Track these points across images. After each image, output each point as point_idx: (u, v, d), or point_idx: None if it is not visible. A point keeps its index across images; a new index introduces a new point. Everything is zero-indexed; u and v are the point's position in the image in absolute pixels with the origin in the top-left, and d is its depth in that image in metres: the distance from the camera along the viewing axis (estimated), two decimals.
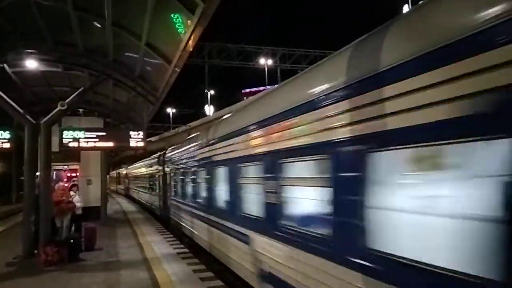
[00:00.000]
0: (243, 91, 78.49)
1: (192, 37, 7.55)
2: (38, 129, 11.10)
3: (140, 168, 31.39)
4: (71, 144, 11.73)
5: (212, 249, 9.16)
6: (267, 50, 32.15)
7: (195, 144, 10.93)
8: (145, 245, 12.77)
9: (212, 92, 57.44)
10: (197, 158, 10.28)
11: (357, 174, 3.56)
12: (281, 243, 5.16)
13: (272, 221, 5.39)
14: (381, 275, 3.27)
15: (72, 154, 18.19)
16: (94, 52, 10.77)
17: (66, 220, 12.50)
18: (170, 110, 64.65)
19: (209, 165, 8.73)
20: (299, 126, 4.79)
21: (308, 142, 4.54)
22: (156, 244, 13.06)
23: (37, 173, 11.36)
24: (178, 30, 8.21)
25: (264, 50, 32.12)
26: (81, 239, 11.86)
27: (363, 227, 3.46)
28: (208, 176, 8.98)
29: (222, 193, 7.90)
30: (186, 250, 12.63)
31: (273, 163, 5.38)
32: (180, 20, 8.07)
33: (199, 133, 11.56)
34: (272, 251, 5.44)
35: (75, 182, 15.60)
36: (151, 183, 24.38)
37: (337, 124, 3.95)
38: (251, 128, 6.25)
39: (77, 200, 13.18)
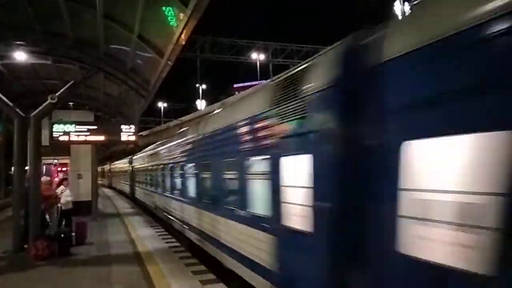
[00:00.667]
0: (235, 85, 78.30)
1: (185, 30, 7.47)
2: (27, 122, 10.94)
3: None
4: (61, 138, 11.57)
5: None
6: (259, 44, 32.05)
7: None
8: (136, 240, 12.72)
9: (204, 86, 57.25)
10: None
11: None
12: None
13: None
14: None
15: (62, 148, 17.98)
16: (85, 44, 10.61)
17: (52, 215, 12.41)
18: (161, 104, 64.28)
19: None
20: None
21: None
22: (148, 238, 13.02)
23: (27, 167, 11.23)
24: (171, 23, 8.12)
25: (257, 44, 32.01)
26: (71, 233, 11.77)
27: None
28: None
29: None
30: (178, 244, 12.61)
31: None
32: (173, 13, 7.98)
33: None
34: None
35: (66, 176, 15.45)
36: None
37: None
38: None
39: (67, 194, 13.06)
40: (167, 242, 12.58)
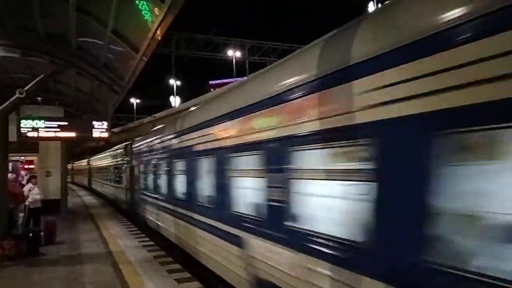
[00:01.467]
0: (210, 82, 77.93)
1: (161, 26, 7.38)
2: None
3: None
4: (30, 134, 11.19)
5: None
6: (235, 41, 31.97)
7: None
8: (108, 238, 12.48)
9: (178, 82, 56.59)
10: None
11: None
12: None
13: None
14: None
15: (30, 145, 17.33)
16: (57, 38, 10.26)
17: (19, 213, 12.01)
18: (134, 101, 63.01)
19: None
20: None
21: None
22: (120, 237, 12.82)
23: None
24: (145, 17, 7.99)
25: (233, 41, 31.92)
26: (40, 232, 11.41)
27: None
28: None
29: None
30: (152, 242, 12.47)
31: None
32: (147, 8, 7.85)
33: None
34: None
35: (34, 174, 14.94)
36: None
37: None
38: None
39: (36, 192, 12.64)
40: (140, 241, 12.41)
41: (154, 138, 11.98)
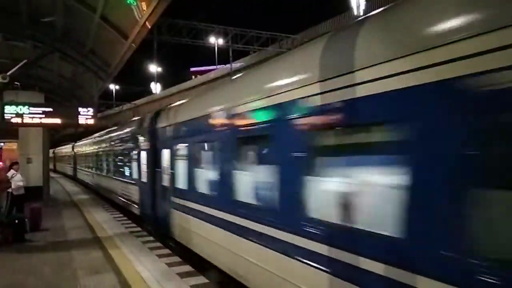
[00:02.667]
0: (192, 69, 77.05)
1: (153, 13, 7.40)
2: None
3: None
4: (13, 120, 11.05)
5: None
6: (219, 29, 31.70)
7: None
8: (94, 225, 12.50)
9: (159, 69, 55.75)
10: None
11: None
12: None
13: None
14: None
15: (10, 131, 16.94)
16: (41, 23, 10.09)
17: (3, 200, 11.86)
18: (113, 87, 61.77)
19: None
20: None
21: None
22: (106, 223, 12.85)
23: None
24: (129, 2, 7.96)
25: (216, 28, 31.65)
26: (25, 219, 11.33)
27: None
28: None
29: None
30: (139, 228, 12.56)
31: None
32: None
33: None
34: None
35: (16, 161, 14.66)
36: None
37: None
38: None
39: (18, 179, 12.45)
40: (126, 227, 12.48)
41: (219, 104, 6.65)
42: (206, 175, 7.19)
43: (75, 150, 34.88)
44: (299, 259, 4.24)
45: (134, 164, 12.89)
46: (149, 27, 8.23)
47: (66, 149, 44.77)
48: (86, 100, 15.11)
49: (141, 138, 11.96)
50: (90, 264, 8.07)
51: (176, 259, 8.90)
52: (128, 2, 7.99)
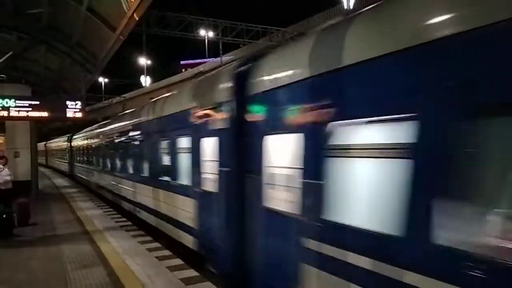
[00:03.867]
0: (182, 62, 76.45)
1: (141, 4, 7.31)
2: None
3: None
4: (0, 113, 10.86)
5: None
6: (209, 21, 31.45)
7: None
8: (84, 219, 12.42)
9: (149, 62, 55.23)
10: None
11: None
12: None
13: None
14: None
15: None
16: (26, 15, 9.90)
17: None
18: (102, 80, 61.05)
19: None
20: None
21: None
22: (96, 217, 12.77)
23: None
24: None
25: (206, 21, 31.39)
26: (13, 214, 11.21)
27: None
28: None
29: None
30: (130, 223, 12.52)
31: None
32: None
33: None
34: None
35: (3, 155, 14.44)
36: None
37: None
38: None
39: (6, 173, 12.28)
40: (116, 222, 12.44)
41: None
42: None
43: (72, 143, 29.77)
44: None
45: (184, 161, 7.90)
46: (137, 19, 8.12)
47: (59, 142, 40.01)
48: (74, 93, 14.90)
49: (202, 119, 6.79)
50: (80, 258, 8.03)
51: (167, 252, 8.91)
52: None
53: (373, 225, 3.22)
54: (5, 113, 10.90)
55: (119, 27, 8.55)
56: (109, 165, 15.69)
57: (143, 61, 52.93)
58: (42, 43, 10.99)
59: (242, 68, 5.68)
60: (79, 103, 11.74)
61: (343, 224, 3.53)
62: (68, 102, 11.66)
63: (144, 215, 10.86)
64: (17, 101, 11.01)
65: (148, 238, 10.34)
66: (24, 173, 17.66)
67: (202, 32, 33.36)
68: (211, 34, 33.62)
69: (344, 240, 3.53)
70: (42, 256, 8.36)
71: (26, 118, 11.61)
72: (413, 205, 2.85)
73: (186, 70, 55.62)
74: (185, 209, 7.69)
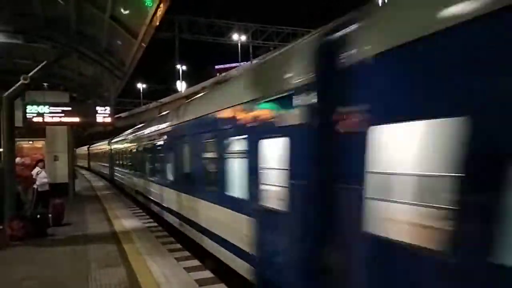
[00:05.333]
0: (216, 67, 77.62)
1: (158, 11, 7.50)
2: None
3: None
4: (35, 119, 11.51)
5: None
6: (239, 25, 31.79)
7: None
8: (114, 220, 12.85)
9: (184, 67, 56.56)
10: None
11: None
12: None
13: None
14: None
15: (37, 130, 17.70)
16: (56, 24, 10.42)
17: (28, 196, 12.41)
18: (140, 86, 63.23)
19: None
20: None
21: None
22: (125, 218, 13.18)
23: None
24: (146, 4, 8.08)
25: (236, 25, 31.74)
26: (48, 214, 11.81)
27: None
28: None
29: None
30: (156, 224, 12.83)
31: None
32: None
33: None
34: None
35: (41, 158, 15.31)
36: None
37: None
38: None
39: (43, 176, 13.02)
40: (144, 222, 12.79)
41: None
42: None
43: (112, 146, 28.63)
44: None
45: (237, 169, 6.36)
46: (156, 25, 8.33)
47: (102, 146, 38.70)
48: (107, 99, 15.53)
49: (263, 115, 5.27)
50: (104, 257, 8.33)
51: (186, 253, 9.07)
52: (146, 5, 8.10)
53: None
54: (40, 119, 11.53)
55: (140, 34, 8.82)
56: (147, 170, 14.88)
57: (178, 66, 54.25)
58: (73, 51, 11.52)
59: (333, 35, 4.00)
60: (108, 108, 12.21)
61: None
62: (97, 108, 12.17)
63: (192, 233, 9.01)
64: (51, 107, 11.63)
65: (171, 239, 10.56)
66: (63, 176, 18.60)
67: (234, 36, 33.74)
68: (243, 38, 33.91)
69: None
70: (70, 254, 8.75)
71: (59, 123, 12.23)
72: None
73: (220, 74, 56.42)
74: (238, 229, 6.11)
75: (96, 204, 17.27)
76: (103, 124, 12.43)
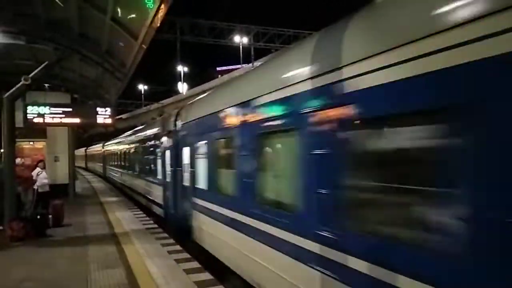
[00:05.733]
0: (218, 68, 77.80)
1: (158, 13, 7.52)
2: (0, 104, 10.83)
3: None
4: (35, 120, 11.54)
5: None
6: (240, 27, 31.85)
7: None
8: (114, 222, 12.86)
9: (185, 69, 56.68)
10: None
11: None
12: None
13: None
14: None
15: (38, 130, 17.74)
16: (58, 25, 10.47)
17: (28, 196, 12.42)
18: (141, 87, 63.35)
19: None
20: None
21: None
22: (125, 220, 13.18)
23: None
24: (147, 5, 8.10)
25: (237, 27, 31.80)
26: (48, 215, 11.81)
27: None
28: None
29: None
30: (155, 226, 12.82)
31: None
32: None
33: None
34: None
35: (41, 159, 15.33)
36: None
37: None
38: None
39: (43, 176, 13.02)
40: (144, 224, 12.78)
41: None
42: None
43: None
44: None
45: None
46: (157, 27, 8.35)
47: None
48: (108, 100, 15.56)
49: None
50: (103, 259, 8.32)
51: (186, 255, 9.05)
52: (147, 6, 8.13)
53: None
54: (41, 120, 11.55)
55: (140, 36, 8.84)
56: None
57: (180, 68, 54.37)
58: (75, 53, 11.56)
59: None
60: (108, 109, 12.23)
61: None
62: (98, 109, 12.19)
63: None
64: (51, 108, 11.65)
65: (171, 241, 10.55)
66: (63, 177, 18.64)
67: (235, 38, 33.81)
68: (245, 40, 33.96)
69: None
70: (70, 256, 8.75)
71: (60, 124, 12.24)
72: None
73: (221, 75, 56.48)
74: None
75: (97, 205, 17.25)
76: (104, 125, 12.45)
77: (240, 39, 33.96)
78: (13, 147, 11.17)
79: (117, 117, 23.84)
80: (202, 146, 7.87)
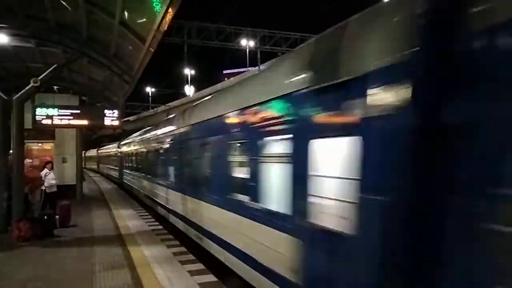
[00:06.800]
0: (224, 72, 78.01)
1: (166, 17, 7.61)
2: (10, 105, 10.99)
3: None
4: (44, 122, 11.69)
5: None
6: (247, 31, 31.97)
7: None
8: (120, 222, 12.95)
9: (192, 72, 56.90)
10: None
11: None
12: None
13: None
14: None
15: (47, 132, 17.95)
16: (67, 28, 10.63)
17: (36, 197, 12.56)
18: (149, 89, 63.68)
19: None
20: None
21: None
22: (131, 220, 13.27)
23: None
24: (155, 9, 8.20)
25: (244, 31, 31.92)
26: (55, 216, 11.93)
27: None
28: None
29: None
30: (161, 227, 12.91)
31: None
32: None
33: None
34: None
35: (49, 160, 15.51)
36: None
37: None
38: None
39: (51, 177, 13.17)
40: (150, 225, 12.87)
41: None
42: None
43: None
44: None
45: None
46: (164, 30, 8.44)
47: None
48: (115, 103, 15.72)
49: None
50: (109, 260, 8.40)
51: (191, 257, 9.10)
52: (155, 10, 8.22)
53: None
54: (49, 121, 11.71)
55: (148, 39, 8.94)
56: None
57: (187, 71, 54.59)
58: (83, 56, 11.71)
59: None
60: (116, 111, 12.36)
61: None
62: (106, 111, 12.32)
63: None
64: (60, 110, 11.80)
65: (176, 242, 10.61)
66: (71, 178, 18.82)
67: (243, 42, 33.94)
68: (251, 43, 34.06)
69: None
70: (76, 256, 8.83)
71: (68, 125, 12.39)
72: None
73: (228, 78, 56.65)
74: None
75: (104, 206, 17.38)
76: (111, 127, 12.57)
77: (246, 43, 34.05)
78: (22, 149, 11.31)
79: (125, 119, 23.78)
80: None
